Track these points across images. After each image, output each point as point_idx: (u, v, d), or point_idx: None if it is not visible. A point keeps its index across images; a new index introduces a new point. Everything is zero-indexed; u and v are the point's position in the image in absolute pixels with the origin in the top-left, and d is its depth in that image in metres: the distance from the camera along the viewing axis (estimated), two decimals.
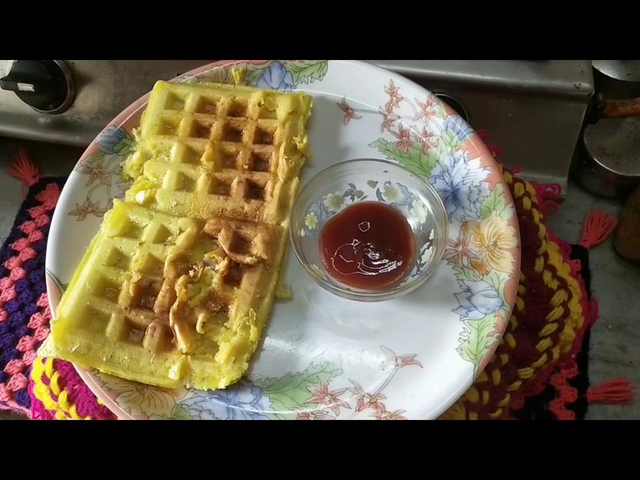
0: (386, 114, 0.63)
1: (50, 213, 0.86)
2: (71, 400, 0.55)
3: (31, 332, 0.76)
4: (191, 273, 0.53)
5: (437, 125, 0.61)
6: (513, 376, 0.55)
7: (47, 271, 0.55)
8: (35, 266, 0.81)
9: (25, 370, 0.74)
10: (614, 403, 0.70)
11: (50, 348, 0.50)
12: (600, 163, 0.79)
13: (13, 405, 0.72)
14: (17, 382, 0.72)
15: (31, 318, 0.77)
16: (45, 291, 0.78)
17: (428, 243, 0.54)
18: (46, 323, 0.77)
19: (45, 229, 0.84)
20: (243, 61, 0.65)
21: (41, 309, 0.78)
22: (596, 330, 0.74)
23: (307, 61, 0.64)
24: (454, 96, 0.71)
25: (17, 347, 0.75)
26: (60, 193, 0.86)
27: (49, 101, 0.80)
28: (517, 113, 0.73)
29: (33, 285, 0.80)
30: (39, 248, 0.83)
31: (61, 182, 0.88)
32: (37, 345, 0.75)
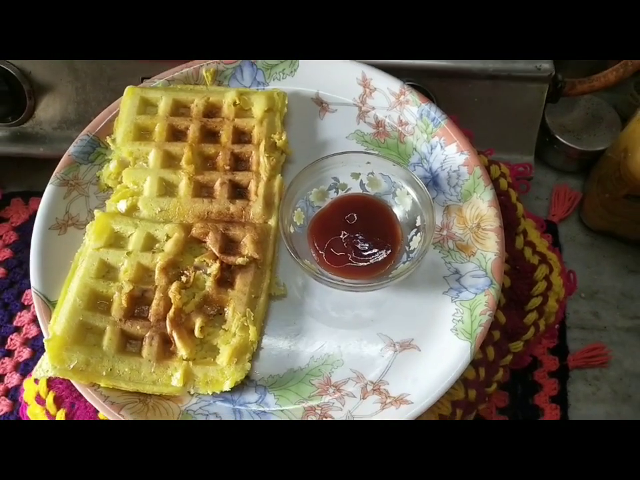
0: (360, 106, 0.64)
1: (17, 229, 0.83)
2: (69, 418, 0.53)
3: (9, 353, 0.74)
4: (183, 278, 0.53)
5: (411, 113, 0.62)
6: (504, 351, 0.57)
7: (32, 289, 0.54)
8: (7, 285, 0.78)
9: (8, 393, 0.71)
10: (593, 367, 0.73)
11: (47, 367, 0.48)
12: (562, 140, 0.82)
13: None
14: (1, 406, 0.70)
15: (9, 339, 0.74)
16: (20, 310, 0.77)
17: (415, 230, 0.55)
18: (25, 343, 0.75)
19: (14, 246, 0.81)
20: (213, 61, 0.64)
21: (18, 329, 0.75)
22: (570, 299, 0.77)
23: None
24: (422, 84, 0.72)
25: None
26: (25, 208, 0.85)
27: (7, 113, 0.77)
28: (483, 97, 0.74)
29: (6, 305, 0.77)
30: (9, 266, 0.80)
31: (26, 196, 0.86)
32: (17, 366, 0.73)
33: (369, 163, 0.57)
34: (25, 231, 0.82)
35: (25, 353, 0.74)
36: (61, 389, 0.54)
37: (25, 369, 0.72)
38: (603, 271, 0.79)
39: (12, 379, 0.72)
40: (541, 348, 0.73)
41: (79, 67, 0.75)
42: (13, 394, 0.71)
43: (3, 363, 0.73)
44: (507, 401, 0.68)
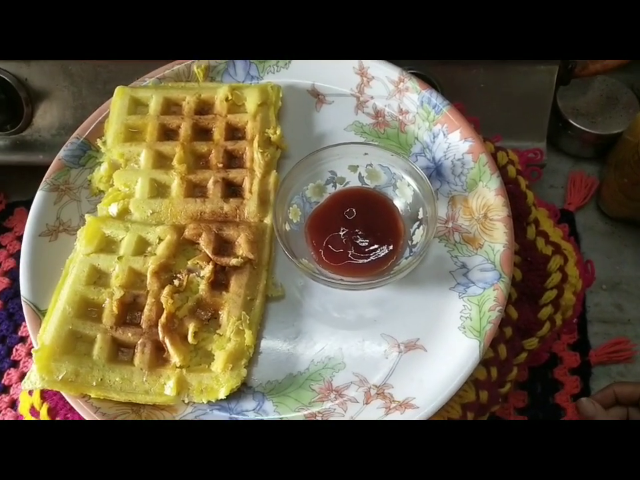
0: (358, 96, 0.61)
1: (21, 239, 0.82)
2: None
3: (15, 364, 0.73)
4: (176, 282, 0.51)
5: (411, 101, 0.59)
6: (518, 348, 0.53)
7: (22, 298, 0.52)
8: (12, 295, 0.78)
9: (14, 404, 0.71)
10: (617, 362, 0.69)
11: (35, 379, 0.47)
12: (576, 124, 0.78)
13: None
14: (7, 418, 0.69)
15: (14, 349, 0.74)
16: (25, 320, 0.76)
17: (417, 223, 0.53)
18: (30, 353, 0.74)
19: (18, 256, 0.80)
20: None
21: (23, 339, 0.75)
22: (591, 292, 0.73)
23: None
24: (424, 71, 0.70)
25: (3, 381, 0.72)
26: None
27: (5, 121, 0.76)
28: (489, 82, 0.71)
29: (11, 315, 0.77)
30: (14, 276, 0.79)
31: (30, 205, 0.85)
32: (23, 377, 0.71)
33: (366, 154, 0.54)
34: None
35: (30, 363, 0.73)
36: (55, 400, 0.53)
37: None
38: (624, 261, 0.76)
39: (18, 390, 0.71)
40: (561, 344, 0.70)
41: (74, 71, 0.74)
42: (18, 405, 0.70)
43: (8, 374, 0.73)
44: (526, 400, 0.65)
